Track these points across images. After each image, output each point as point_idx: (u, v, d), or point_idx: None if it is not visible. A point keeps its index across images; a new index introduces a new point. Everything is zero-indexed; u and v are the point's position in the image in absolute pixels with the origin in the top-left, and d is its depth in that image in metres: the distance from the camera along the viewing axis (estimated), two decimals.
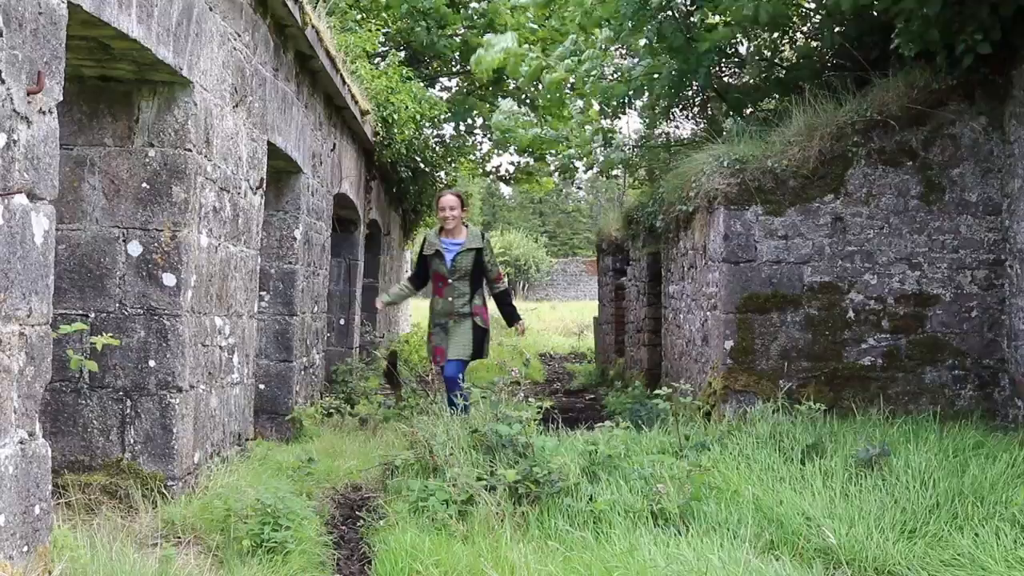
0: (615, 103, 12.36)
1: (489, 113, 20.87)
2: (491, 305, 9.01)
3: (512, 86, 21.35)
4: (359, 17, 15.29)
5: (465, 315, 8.27)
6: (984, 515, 5.35)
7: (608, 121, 14.30)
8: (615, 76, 12.65)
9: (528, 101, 20.98)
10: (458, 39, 20.10)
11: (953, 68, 8.21)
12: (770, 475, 6.22)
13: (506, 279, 8.67)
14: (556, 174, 16.92)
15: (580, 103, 14.69)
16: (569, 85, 14.39)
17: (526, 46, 13.78)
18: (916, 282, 8.46)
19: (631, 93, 11.91)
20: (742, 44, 11.75)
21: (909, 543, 5.11)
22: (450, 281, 8.27)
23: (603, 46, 12.48)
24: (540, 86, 14.25)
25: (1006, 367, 8.33)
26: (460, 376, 8.04)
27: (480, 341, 8.37)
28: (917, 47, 8.01)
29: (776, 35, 11.22)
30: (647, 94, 12.01)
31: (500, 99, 17.17)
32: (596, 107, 14.23)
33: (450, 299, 8.28)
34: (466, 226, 8.48)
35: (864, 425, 7.50)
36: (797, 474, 6.21)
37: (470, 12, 20.37)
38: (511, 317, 8.80)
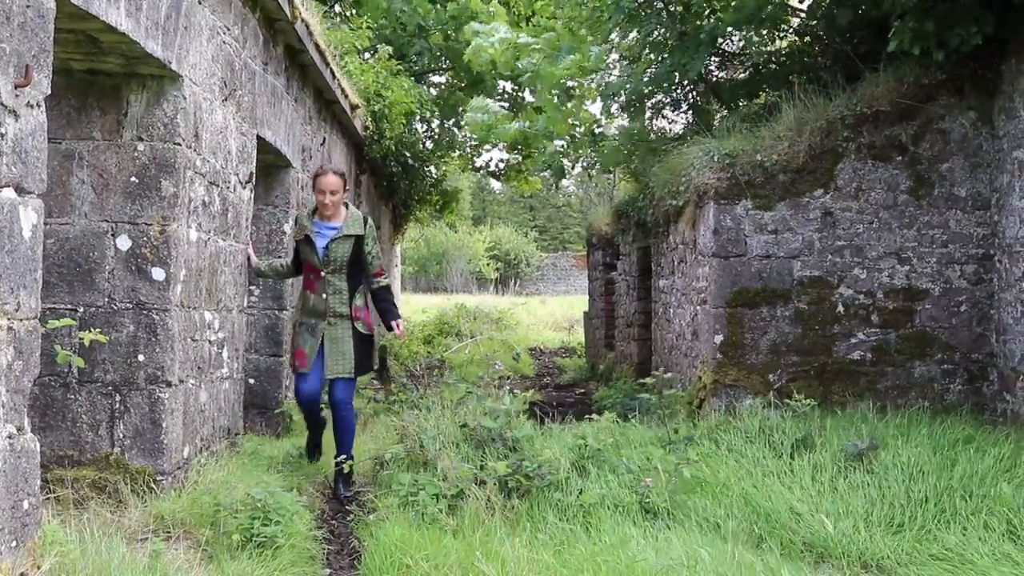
0: (615, 100, 12.35)
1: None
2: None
3: (500, 86, 21.25)
4: (347, 13, 15.23)
5: (343, 317, 6.72)
6: (972, 509, 5.39)
7: (602, 117, 14.27)
8: (615, 74, 12.65)
9: (507, 96, 20.92)
10: (439, 34, 19.96)
11: (944, 62, 8.23)
12: (759, 469, 6.24)
13: (387, 277, 7.18)
14: (546, 172, 16.81)
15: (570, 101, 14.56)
16: (566, 83, 14.27)
17: (523, 37, 13.61)
18: (905, 276, 8.48)
19: (628, 88, 11.88)
20: (733, 39, 11.76)
21: (897, 537, 5.13)
22: (323, 274, 6.70)
23: (599, 44, 12.45)
24: (538, 85, 14.05)
25: (995, 361, 8.36)
26: (350, 400, 6.86)
27: (364, 351, 6.87)
28: (911, 43, 8.01)
29: (766, 32, 11.23)
30: (632, 87, 12.00)
31: (474, 98, 16.45)
32: (590, 108, 14.19)
33: (324, 296, 6.70)
34: (346, 206, 6.87)
35: (853, 419, 7.53)
36: (786, 468, 6.23)
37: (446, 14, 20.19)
38: (388, 313, 7.01)
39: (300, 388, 6.81)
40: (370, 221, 6.94)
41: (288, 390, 8.85)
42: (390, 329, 7.05)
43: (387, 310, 7.01)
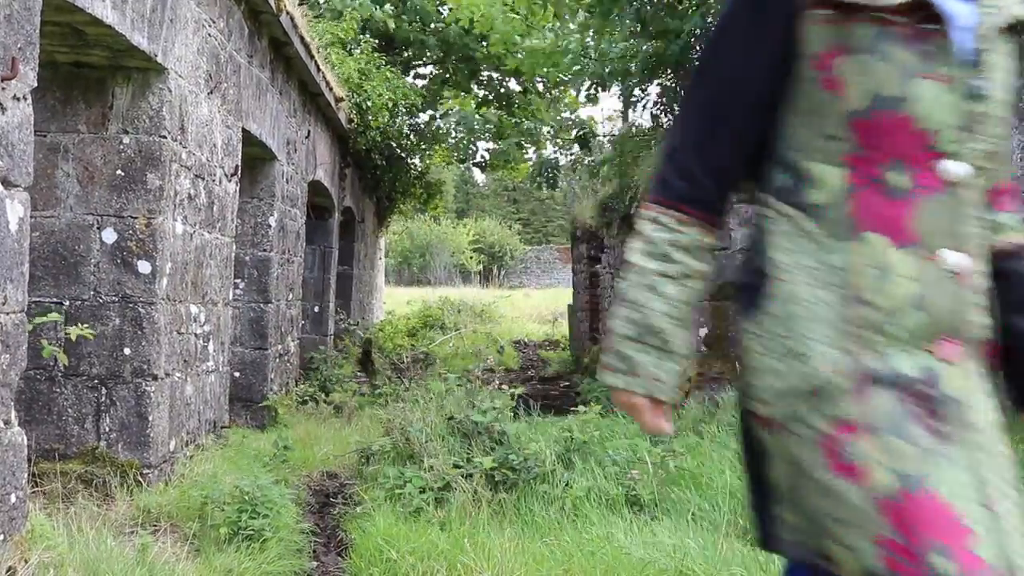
0: (593, 84, 12.36)
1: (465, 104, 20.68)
2: None
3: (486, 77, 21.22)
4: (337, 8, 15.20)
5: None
6: None
7: (586, 112, 14.35)
8: (595, 58, 12.65)
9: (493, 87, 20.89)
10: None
11: None
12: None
13: None
14: (535, 175, 16.85)
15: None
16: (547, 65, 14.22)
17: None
18: None
19: (607, 73, 11.89)
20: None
21: None
22: (952, 177, 1.46)
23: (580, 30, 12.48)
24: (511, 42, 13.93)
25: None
26: None
27: None
28: None
29: None
30: (621, 79, 12.01)
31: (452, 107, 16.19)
32: (575, 93, 14.19)
33: (953, 253, 1.47)
34: None
35: None
36: None
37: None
38: None
39: None
40: None
41: (274, 383, 8.82)
42: None
43: None
